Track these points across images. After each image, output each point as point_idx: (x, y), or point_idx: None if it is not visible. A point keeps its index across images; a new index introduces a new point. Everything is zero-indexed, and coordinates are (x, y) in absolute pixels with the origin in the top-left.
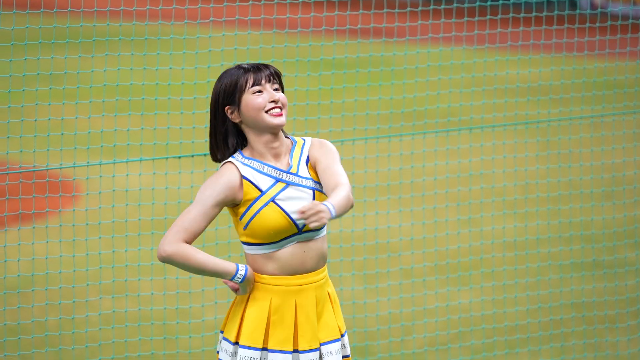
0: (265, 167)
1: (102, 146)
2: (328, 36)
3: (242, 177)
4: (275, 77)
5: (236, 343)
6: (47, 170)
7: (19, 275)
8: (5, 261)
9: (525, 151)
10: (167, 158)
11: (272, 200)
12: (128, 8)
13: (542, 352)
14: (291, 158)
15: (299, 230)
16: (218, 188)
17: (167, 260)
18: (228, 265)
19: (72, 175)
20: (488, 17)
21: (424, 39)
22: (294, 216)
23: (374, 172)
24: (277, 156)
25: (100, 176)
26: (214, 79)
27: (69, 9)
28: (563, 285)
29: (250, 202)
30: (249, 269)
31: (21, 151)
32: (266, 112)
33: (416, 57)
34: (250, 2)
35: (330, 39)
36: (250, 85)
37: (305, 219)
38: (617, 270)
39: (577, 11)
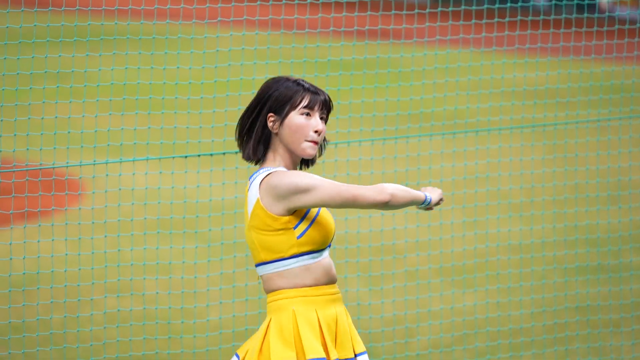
0: None
1: (108, 145)
2: (336, 37)
3: None
4: (326, 106)
5: None
6: (53, 168)
7: (24, 273)
8: (11, 259)
9: (532, 154)
10: (173, 157)
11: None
12: (136, 7)
13: (546, 355)
14: None
15: (330, 242)
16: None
17: (392, 199)
18: (420, 192)
19: (78, 173)
20: (496, 19)
21: (431, 41)
22: (333, 221)
23: (380, 173)
24: None
25: (107, 175)
26: (222, 79)
27: (77, 7)
28: (568, 288)
29: (306, 209)
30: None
31: (28, 149)
32: (307, 140)
33: (423, 59)
34: (259, 2)
35: (337, 40)
36: (303, 106)
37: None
38: (622, 274)
39: (585, 15)
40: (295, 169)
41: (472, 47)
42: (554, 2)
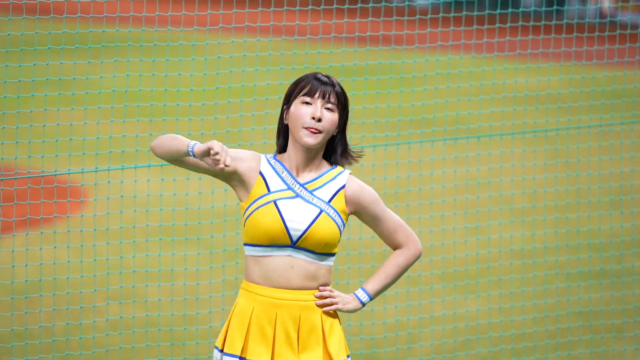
0: (285, 172)
1: (110, 152)
2: (337, 43)
3: (260, 172)
4: (333, 97)
5: (222, 351)
6: (55, 175)
7: (26, 281)
8: (13, 266)
9: (534, 160)
10: None
11: (274, 201)
12: (137, 14)
13: None
14: (316, 178)
15: (292, 243)
16: (246, 154)
17: (154, 144)
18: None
19: (80, 180)
20: (497, 25)
21: (433, 47)
22: (289, 225)
23: (382, 179)
24: (303, 171)
25: (109, 182)
26: (223, 85)
27: (78, 14)
28: (570, 293)
29: (255, 198)
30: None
31: (30, 156)
32: (304, 126)
33: (425, 64)
34: (260, 9)
35: (339, 46)
36: (303, 94)
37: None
38: (624, 279)
39: (587, 20)
40: (305, 159)
41: (474, 52)
42: (555, 7)
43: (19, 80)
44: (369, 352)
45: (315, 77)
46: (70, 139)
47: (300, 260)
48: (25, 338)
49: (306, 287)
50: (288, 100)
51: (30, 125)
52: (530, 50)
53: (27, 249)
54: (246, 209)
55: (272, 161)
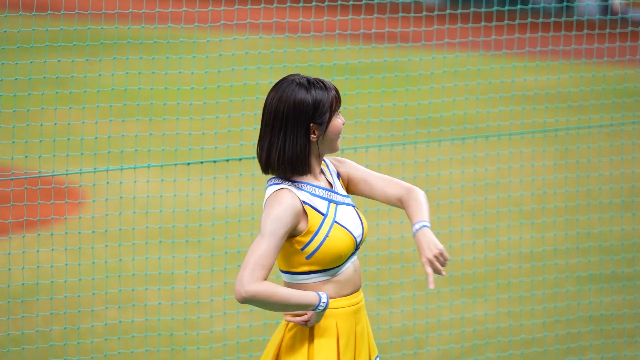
0: (316, 189)
1: (109, 152)
2: (341, 41)
3: (303, 202)
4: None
5: None
6: (52, 176)
7: (23, 284)
8: (9, 269)
9: (543, 160)
10: (175, 164)
11: (335, 222)
12: (137, 10)
13: None
14: (332, 176)
15: (356, 247)
16: (285, 217)
17: (249, 300)
18: (311, 295)
19: (78, 181)
20: (506, 22)
21: (440, 44)
22: (355, 234)
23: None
24: (320, 178)
25: (107, 182)
26: (225, 84)
27: (76, 11)
28: (581, 297)
29: (315, 229)
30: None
31: (26, 156)
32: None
33: (432, 62)
34: (262, 6)
35: (343, 44)
36: (338, 109)
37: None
38: (636, 283)
39: (597, 17)
40: (319, 167)
41: (482, 50)
42: (565, 3)
43: (16, 79)
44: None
45: (333, 88)
46: (68, 139)
47: (356, 261)
48: (22, 343)
49: (361, 284)
50: (319, 120)
51: (27, 125)
52: (539, 47)
53: (23, 252)
54: (307, 243)
55: (298, 185)
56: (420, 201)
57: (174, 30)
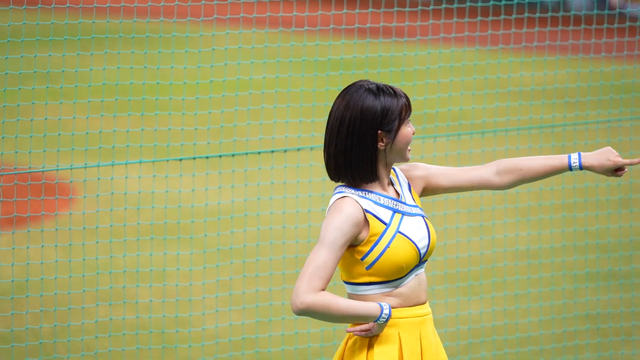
0: (381, 197)
1: (100, 147)
2: (336, 35)
3: (365, 211)
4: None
5: None
6: (43, 172)
7: (12, 281)
8: None
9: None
10: (167, 160)
11: (398, 232)
12: (129, 4)
13: None
14: (400, 187)
15: (421, 260)
16: (346, 226)
17: (304, 312)
18: (372, 306)
19: (69, 177)
20: (502, 16)
21: (435, 39)
22: (419, 245)
23: None
24: (387, 188)
25: (99, 178)
26: (217, 79)
27: (67, 4)
28: (577, 295)
29: (376, 238)
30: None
31: (16, 152)
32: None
33: (427, 57)
34: (256, 0)
35: (338, 38)
36: (408, 116)
37: None
38: (633, 281)
39: (595, 11)
40: (388, 177)
41: (478, 45)
42: None
43: (6, 73)
44: None
45: (403, 95)
46: (59, 134)
47: (422, 274)
48: (11, 340)
49: (426, 298)
50: (387, 128)
51: (17, 120)
52: (536, 42)
53: (13, 248)
54: (367, 253)
55: (362, 193)
56: (520, 158)
57: (166, 24)
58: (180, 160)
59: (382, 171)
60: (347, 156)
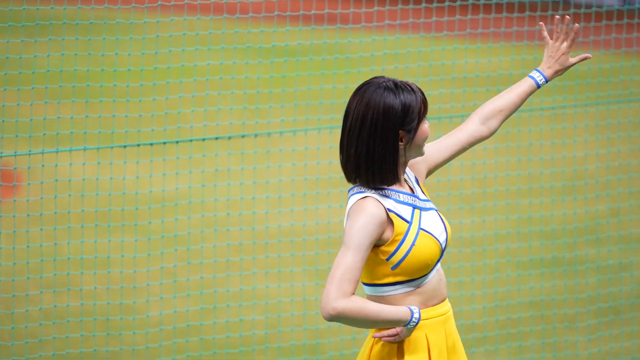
0: (401, 195)
1: (44, 134)
2: (280, 22)
3: (387, 210)
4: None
5: None
6: None
7: None
8: None
9: (483, 143)
10: (112, 147)
11: (421, 228)
12: None
13: (499, 352)
14: (411, 182)
15: (442, 253)
16: (371, 227)
17: (336, 318)
18: (402, 310)
19: (13, 164)
20: (447, 3)
21: (380, 26)
22: (440, 240)
23: (327, 163)
24: (403, 185)
25: (43, 165)
26: (162, 65)
27: None
28: (521, 282)
29: (401, 237)
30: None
31: None
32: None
33: (372, 44)
34: None
35: (282, 25)
36: (426, 112)
37: None
38: (577, 268)
39: None
40: (403, 173)
41: (422, 32)
42: None
43: None
44: (312, 343)
45: (419, 91)
46: (3, 121)
47: (441, 269)
48: None
49: (447, 293)
50: (407, 127)
51: None
52: (480, 29)
53: None
54: (393, 253)
55: (383, 192)
56: (493, 100)
57: (111, 11)
58: (125, 147)
59: (400, 169)
60: (370, 158)
